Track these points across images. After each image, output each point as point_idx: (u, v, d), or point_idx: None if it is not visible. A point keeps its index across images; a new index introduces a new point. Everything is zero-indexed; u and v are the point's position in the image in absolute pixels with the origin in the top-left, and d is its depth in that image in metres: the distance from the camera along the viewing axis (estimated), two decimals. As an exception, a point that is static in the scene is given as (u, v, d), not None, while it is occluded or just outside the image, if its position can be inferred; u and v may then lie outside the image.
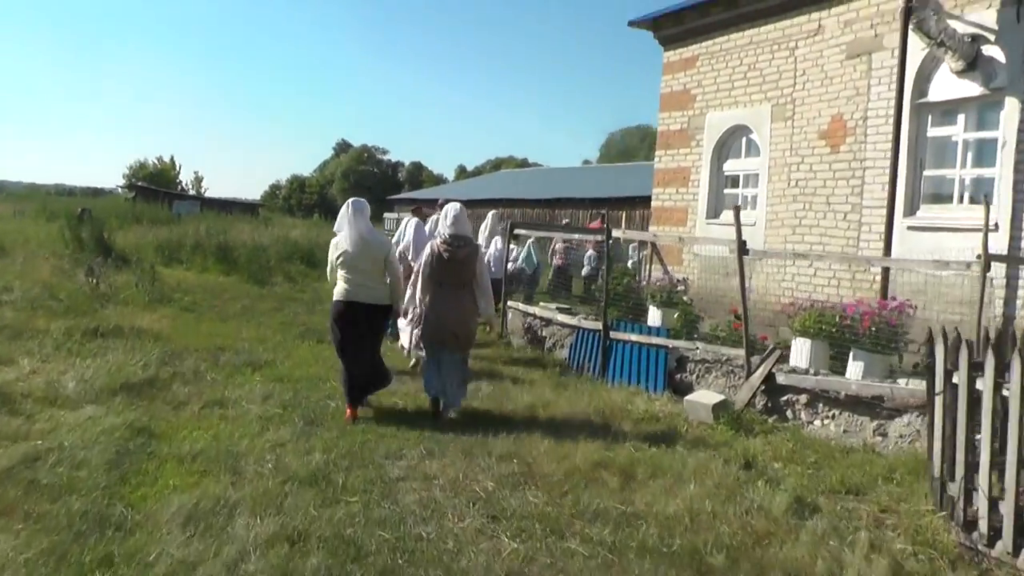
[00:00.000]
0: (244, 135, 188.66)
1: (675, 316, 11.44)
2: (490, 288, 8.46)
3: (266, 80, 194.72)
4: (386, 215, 48.10)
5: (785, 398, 8.78)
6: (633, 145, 72.48)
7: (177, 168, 74.27)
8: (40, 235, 25.87)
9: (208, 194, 69.26)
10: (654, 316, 11.74)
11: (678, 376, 10.06)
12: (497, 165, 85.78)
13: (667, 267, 13.55)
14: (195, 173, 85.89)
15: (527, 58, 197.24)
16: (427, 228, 11.63)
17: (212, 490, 5.55)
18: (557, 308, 12.36)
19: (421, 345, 8.65)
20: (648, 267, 13.84)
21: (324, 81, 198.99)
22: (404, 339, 10.31)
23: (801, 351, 9.28)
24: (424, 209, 15.03)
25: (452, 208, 8.14)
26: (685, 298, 11.73)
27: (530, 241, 17.46)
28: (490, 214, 15.78)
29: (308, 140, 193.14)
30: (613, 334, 10.81)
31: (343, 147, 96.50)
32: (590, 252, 19.51)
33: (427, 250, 8.04)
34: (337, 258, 7.87)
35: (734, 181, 13.17)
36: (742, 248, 9.25)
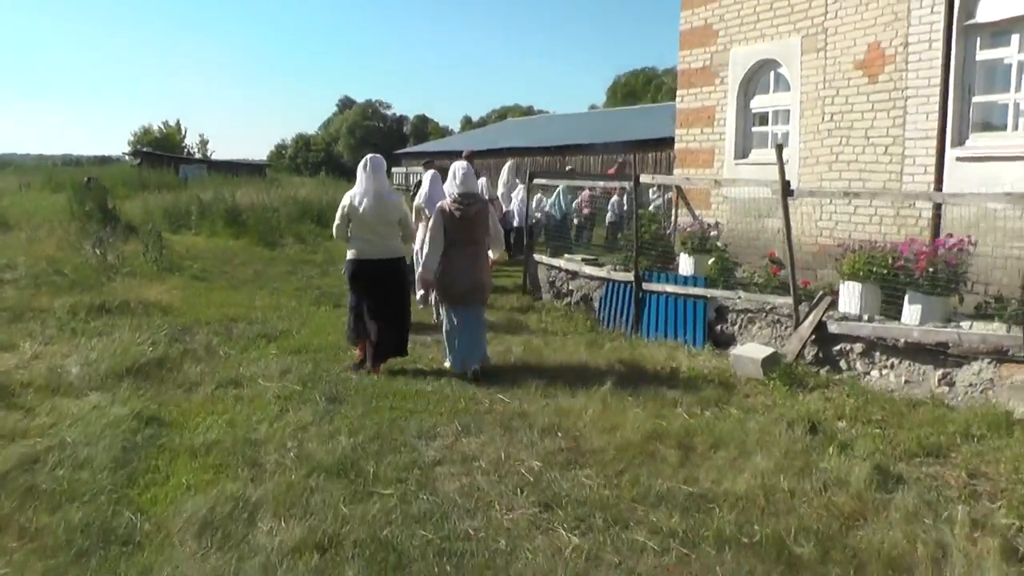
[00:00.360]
0: (248, 96, 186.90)
1: (709, 263, 10.75)
2: (503, 240, 8.58)
3: (267, 38, 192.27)
4: (394, 170, 47.31)
5: (838, 348, 8.13)
6: (639, 88, 71.26)
7: (183, 132, 73.40)
8: (45, 207, 25.30)
9: (214, 156, 68.50)
10: (686, 264, 11.06)
11: (718, 328, 9.41)
12: (503, 115, 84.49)
13: (694, 211, 12.83)
14: (200, 136, 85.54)
15: (528, 2, 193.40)
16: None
17: (229, 488, 4.91)
18: (583, 260, 11.67)
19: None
20: (674, 212, 13.11)
21: (325, 36, 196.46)
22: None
23: (851, 296, 8.59)
24: (436, 162, 14.46)
25: (460, 167, 8.01)
26: (719, 243, 11.02)
27: (559, 189, 16.99)
28: (506, 165, 15.22)
29: (312, 98, 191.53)
30: (646, 285, 10.15)
31: (347, 103, 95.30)
32: (614, 199, 18.78)
33: (436, 212, 7.92)
34: (347, 216, 7.82)
35: (762, 118, 12.37)
36: (786, 188, 8.53)
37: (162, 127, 71.23)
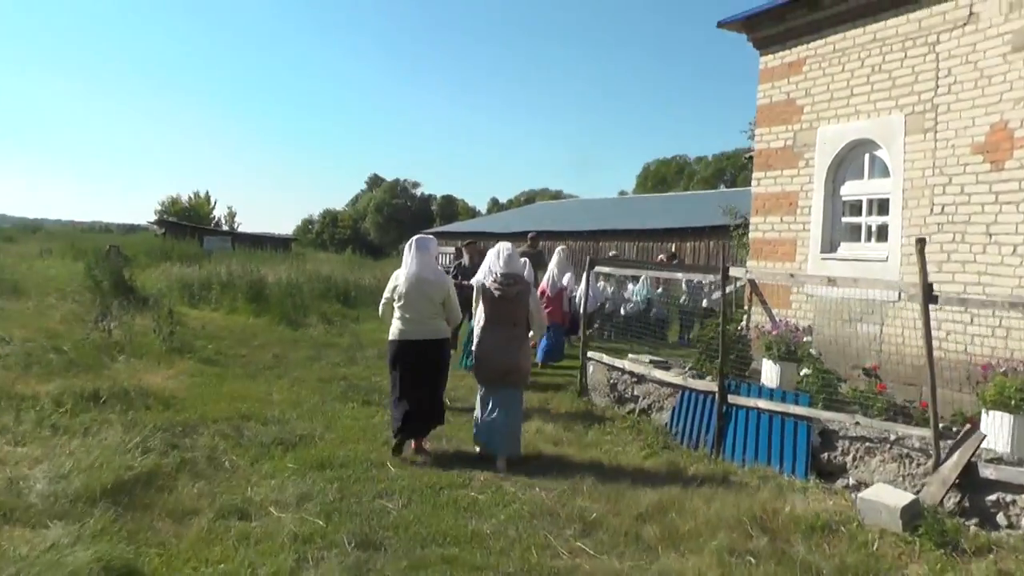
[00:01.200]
0: (277, 170, 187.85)
1: (801, 374, 9.08)
2: (545, 321, 9.01)
3: (299, 115, 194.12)
4: (422, 249, 45.91)
5: (993, 498, 6.40)
6: (671, 176, 70.40)
7: (212, 203, 72.93)
8: (63, 275, 24.02)
9: (241, 229, 67.83)
10: (770, 373, 9.40)
11: (824, 455, 7.70)
12: (531, 198, 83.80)
13: (771, 310, 11.20)
14: (229, 208, 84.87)
15: (559, 89, 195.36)
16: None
17: None
18: (651, 362, 10.05)
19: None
20: (747, 310, 11.46)
21: (355, 114, 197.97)
22: None
23: (998, 430, 6.90)
24: (479, 243, 13.28)
25: (504, 247, 8.02)
26: (812, 350, 9.37)
27: (643, 277, 16.32)
28: (558, 249, 14.10)
29: (341, 175, 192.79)
30: (732, 398, 8.48)
31: (375, 181, 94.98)
32: (659, 291, 17.38)
33: (477, 288, 7.96)
34: (394, 295, 7.70)
35: (854, 207, 10.81)
36: (928, 293, 6.91)
37: (192, 197, 70.72)
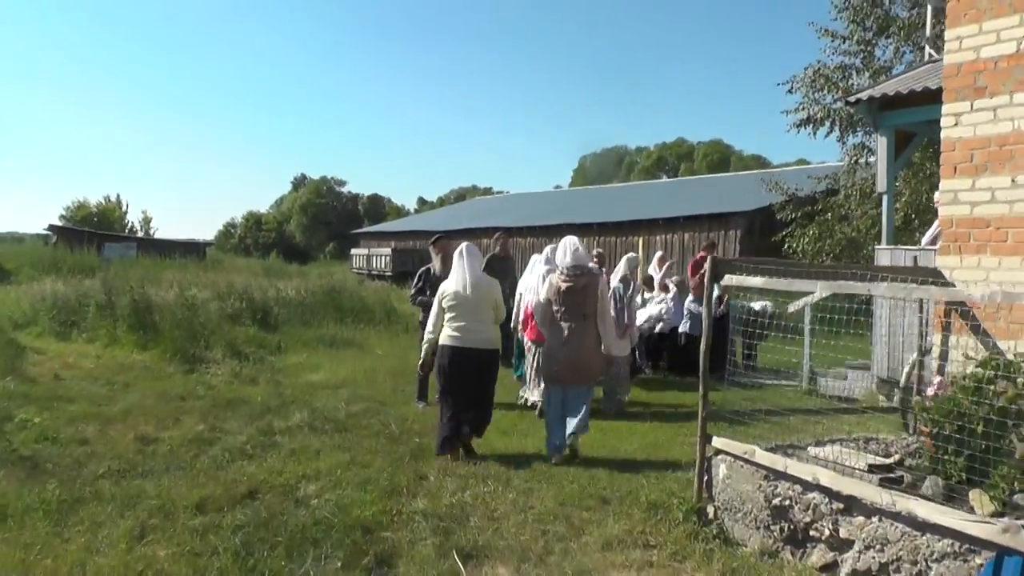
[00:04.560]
0: (200, 173, 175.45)
1: None
2: (612, 321, 8.44)
3: (220, 114, 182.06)
4: (353, 251, 40.43)
5: None
6: (611, 167, 65.68)
7: (124, 208, 65.80)
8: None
9: (158, 235, 61.12)
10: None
11: None
12: (461, 195, 78.37)
13: (991, 339, 6.19)
14: (143, 213, 77.81)
15: (487, 85, 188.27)
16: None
17: None
18: (871, 468, 4.86)
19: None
20: (934, 341, 6.39)
21: (281, 111, 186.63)
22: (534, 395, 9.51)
23: None
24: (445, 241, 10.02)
25: (571, 241, 7.72)
26: None
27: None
28: (547, 249, 9.59)
29: (267, 175, 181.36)
30: None
31: (301, 181, 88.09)
32: (691, 302, 12.48)
33: (545, 285, 7.75)
34: (447, 303, 7.33)
35: None
36: None
37: (102, 201, 63.54)
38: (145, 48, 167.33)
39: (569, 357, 7.33)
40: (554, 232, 31.50)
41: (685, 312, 12.84)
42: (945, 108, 6.63)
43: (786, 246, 19.39)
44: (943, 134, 6.69)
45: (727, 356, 12.58)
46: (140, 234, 61.05)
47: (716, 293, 12.44)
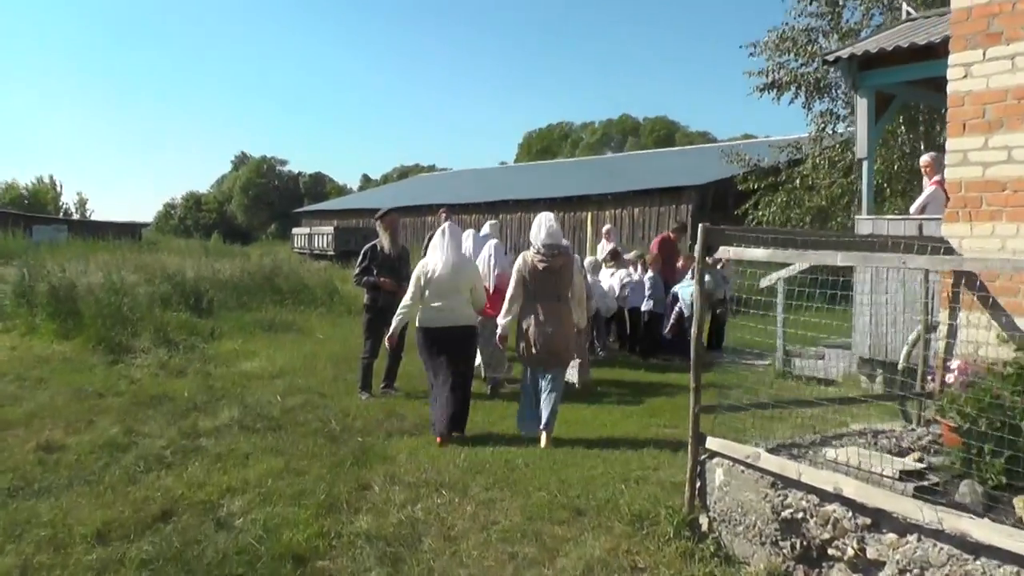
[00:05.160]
0: (138, 153, 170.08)
1: None
2: (585, 299, 8.11)
3: (159, 91, 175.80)
4: (295, 231, 39.08)
5: None
6: (555, 143, 64.71)
7: (58, 189, 63.42)
8: None
9: (94, 217, 58.89)
10: None
11: None
12: (404, 173, 76.94)
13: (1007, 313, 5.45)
14: (79, 195, 75.28)
15: (427, 62, 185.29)
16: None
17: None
18: (903, 475, 4.05)
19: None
20: (948, 316, 5.63)
21: (222, 88, 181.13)
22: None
23: None
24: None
25: (546, 217, 7.38)
26: None
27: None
28: (488, 224, 9.01)
29: (207, 155, 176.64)
30: None
31: (242, 160, 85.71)
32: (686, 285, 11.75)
33: (519, 262, 7.18)
34: (424, 283, 7.20)
35: None
36: None
37: (34, 183, 61.04)
38: (82, 24, 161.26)
39: (544, 339, 7.01)
40: (500, 208, 30.72)
41: (647, 289, 12.04)
42: (952, 58, 5.84)
43: (750, 217, 18.66)
44: (950, 88, 5.91)
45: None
46: (76, 217, 58.83)
47: (718, 270, 11.76)
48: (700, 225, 4.89)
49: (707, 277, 11.26)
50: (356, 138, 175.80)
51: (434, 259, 7.30)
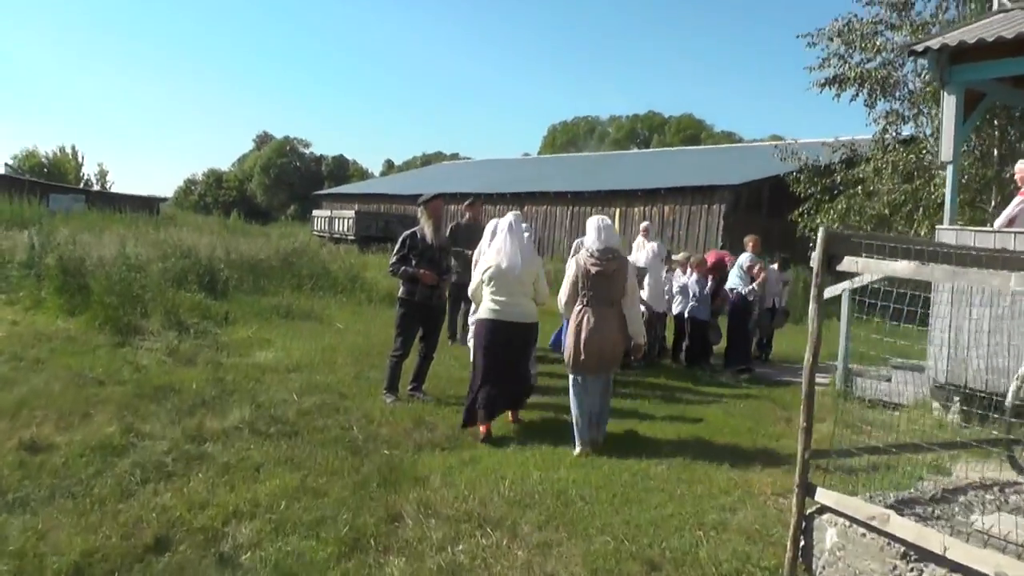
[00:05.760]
0: (162, 127, 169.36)
1: None
2: (639, 307, 7.51)
3: (184, 65, 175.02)
4: (315, 212, 38.28)
5: None
6: (581, 136, 63.62)
7: (80, 159, 62.67)
8: None
9: (114, 189, 58.17)
10: None
11: None
12: (427, 161, 75.95)
13: None
14: (99, 166, 74.71)
15: (454, 49, 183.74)
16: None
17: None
18: None
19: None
20: None
21: (246, 68, 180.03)
22: None
23: None
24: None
25: (602, 219, 7.02)
26: None
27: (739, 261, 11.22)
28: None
29: (230, 132, 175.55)
30: None
31: (264, 139, 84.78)
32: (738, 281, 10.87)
33: (571, 265, 7.00)
34: (487, 274, 7.06)
35: None
36: None
37: (55, 152, 60.36)
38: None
39: (596, 345, 6.69)
40: (526, 200, 29.80)
41: (691, 293, 11.13)
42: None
43: (802, 224, 17.46)
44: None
45: (749, 345, 11.00)
46: (96, 188, 58.17)
47: (747, 265, 10.87)
48: (821, 230, 3.98)
49: (749, 285, 10.47)
50: (381, 123, 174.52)
51: (498, 253, 7.10)
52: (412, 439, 6.56)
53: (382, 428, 6.83)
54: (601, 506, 5.07)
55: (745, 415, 8.17)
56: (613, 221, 19.89)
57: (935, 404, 8.33)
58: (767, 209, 24.23)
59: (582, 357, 6.71)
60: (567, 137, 65.96)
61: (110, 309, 11.22)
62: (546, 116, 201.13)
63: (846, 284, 9.17)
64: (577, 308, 6.83)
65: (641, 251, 11.61)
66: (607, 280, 6.75)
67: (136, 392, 7.54)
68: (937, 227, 8.61)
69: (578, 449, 6.56)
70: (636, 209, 26.21)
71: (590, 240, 6.94)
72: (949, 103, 8.41)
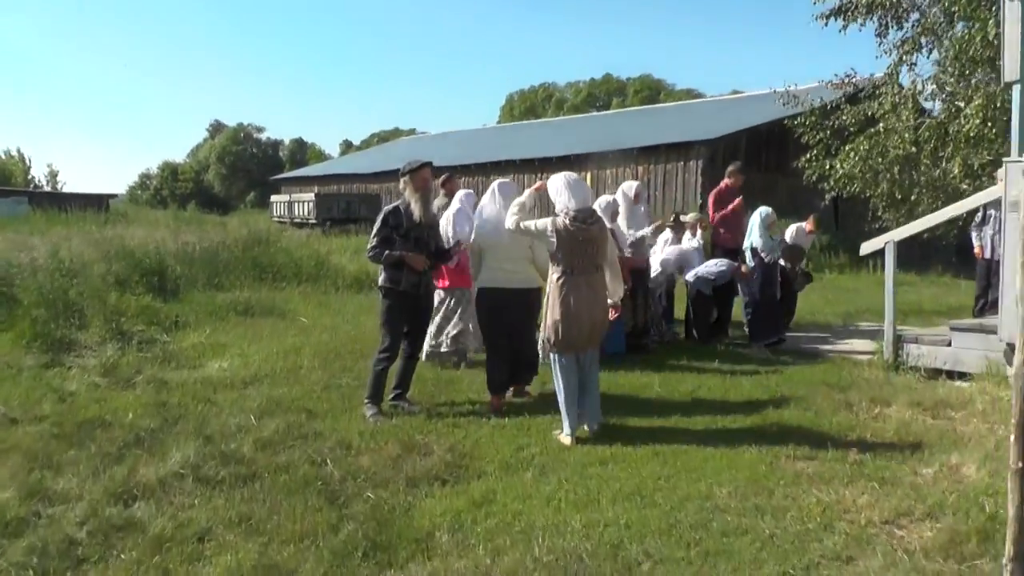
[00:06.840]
0: (112, 124, 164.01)
1: None
2: (619, 266, 6.56)
3: (130, 57, 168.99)
4: (274, 198, 36.53)
5: None
6: (539, 103, 61.98)
7: (27, 163, 60.18)
8: None
9: (66, 189, 55.77)
10: None
11: None
12: (384, 138, 73.91)
13: None
14: (49, 167, 72.09)
15: (404, 25, 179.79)
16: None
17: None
18: None
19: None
20: None
21: (196, 55, 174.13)
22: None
23: None
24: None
25: (571, 177, 6.19)
26: None
27: (756, 221, 9.26)
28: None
29: (182, 124, 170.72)
30: None
31: (218, 128, 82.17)
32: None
33: (549, 228, 6.00)
34: (484, 244, 6.81)
35: None
36: None
37: (1, 158, 57.78)
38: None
39: (587, 319, 5.99)
40: (492, 170, 28.33)
41: (696, 260, 9.73)
42: None
43: (809, 171, 16.01)
44: None
45: (778, 312, 9.57)
46: (47, 190, 55.79)
47: (769, 221, 9.37)
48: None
49: (766, 239, 9.03)
50: (336, 103, 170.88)
51: (486, 221, 6.81)
52: (403, 471, 5.08)
53: (363, 458, 5.36)
54: (678, 566, 3.65)
55: (793, 400, 6.77)
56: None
57: (1010, 369, 7.02)
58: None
59: (573, 333, 5.91)
60: (526, 105, 64.18)
61: (39, 323, 9.65)
62: (503, 86, 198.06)
63: (888, 235, 7.82)
64: (559, 279, 5.96)
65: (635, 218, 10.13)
66: (591, 245, 6.01)
67: (54, 432, 5.99)
68: (1005, 160, 7.22)
69: (568, 440, 5.77)
70: (608, 171, 24.81)
71: (563, 200, 6.07)
72: (1012, 9, 6.97)
